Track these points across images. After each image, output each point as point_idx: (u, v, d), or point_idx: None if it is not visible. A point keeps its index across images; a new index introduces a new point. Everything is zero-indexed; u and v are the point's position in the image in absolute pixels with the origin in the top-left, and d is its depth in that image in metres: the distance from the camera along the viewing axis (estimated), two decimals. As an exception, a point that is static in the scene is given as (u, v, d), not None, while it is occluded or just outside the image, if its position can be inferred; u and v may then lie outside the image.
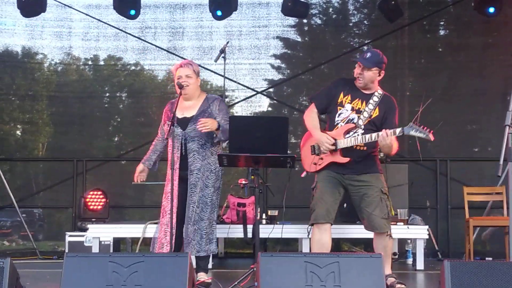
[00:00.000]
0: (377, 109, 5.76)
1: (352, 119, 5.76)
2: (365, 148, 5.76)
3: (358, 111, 5.77)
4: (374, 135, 5.60)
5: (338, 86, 5.91)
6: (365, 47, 10.06)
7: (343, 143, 5.70)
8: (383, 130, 5.56)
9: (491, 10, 9.30)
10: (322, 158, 5.79)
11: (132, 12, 9.79)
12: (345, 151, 5.73)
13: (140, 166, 6.32)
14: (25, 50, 10.63)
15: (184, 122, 6.06)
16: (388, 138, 5.50)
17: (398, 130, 5.55)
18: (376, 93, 5.81)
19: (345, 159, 5.70)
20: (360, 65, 5.76)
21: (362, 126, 5.72)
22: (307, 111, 6.03)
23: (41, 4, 9.71)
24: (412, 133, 5.51)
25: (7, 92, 10.61)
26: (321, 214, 5.75)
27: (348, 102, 5.80)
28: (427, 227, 7.80)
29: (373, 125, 5.72)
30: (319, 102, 5.95)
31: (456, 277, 4.37)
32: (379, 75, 5.81)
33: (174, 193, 5.88)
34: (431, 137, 5.50)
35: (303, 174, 5.97)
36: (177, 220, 5.94)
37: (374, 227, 5.79)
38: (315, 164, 5.81)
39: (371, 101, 5.77)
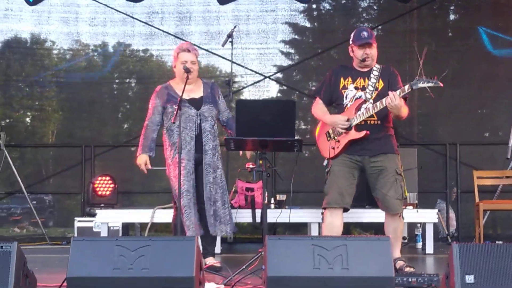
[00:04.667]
0: (380, 81, 5.76)
1: (360, 96, 5.75)
2: (378, 122, 5.72)
3: (363, 88, 5.76)
4: (383, 100, 5.53)
5: (336, 73, 5.92)
6: (374, 32, 9.98)
7: (356, 118, 5.67)
8: (389, 92, 5.52)
9: None
10: (339, 141, 5.75)
11: None
12: (360, 128, 5.68)
13: (144, 157, 6.19)
14: (33, 37, 10.62)
15: (195, 103, 6.10)
16: (396, 99, 5.42)
17: (406, 87, 5.47)
18: (374, 68, 5.82)
19: (361, 133, 5.64)
20: (365, 46, 5.75)
21: (371, 100, 5.68)
22: (313, 106, 6.02)
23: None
24: (421, 85, 5.37)
25: (16, 79, 10.61)
26: (334, 198, 5.72)
27: (350, 83, 5.81)
28: (436, 210, 7.77)
29: (382, 97, 5.62)
30: (322, 94, 5.96)
31: (465, 259, 4.32)
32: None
33: (189, 174, 6.00)
34: (440, 84, 5.37)
35: (325, 162, 5.91)
36: (197, 201, 6.06)
37: (388, 208, 5.78)
38: (333, 148, 5.78)
39: (371, 75, 5.77)
